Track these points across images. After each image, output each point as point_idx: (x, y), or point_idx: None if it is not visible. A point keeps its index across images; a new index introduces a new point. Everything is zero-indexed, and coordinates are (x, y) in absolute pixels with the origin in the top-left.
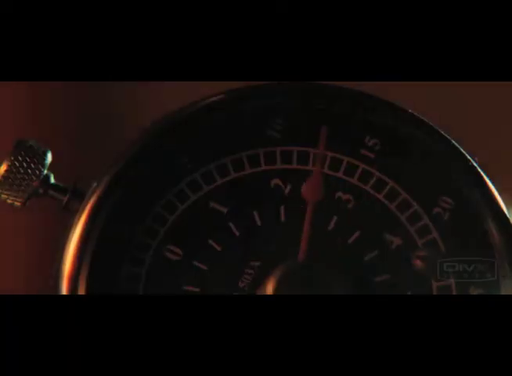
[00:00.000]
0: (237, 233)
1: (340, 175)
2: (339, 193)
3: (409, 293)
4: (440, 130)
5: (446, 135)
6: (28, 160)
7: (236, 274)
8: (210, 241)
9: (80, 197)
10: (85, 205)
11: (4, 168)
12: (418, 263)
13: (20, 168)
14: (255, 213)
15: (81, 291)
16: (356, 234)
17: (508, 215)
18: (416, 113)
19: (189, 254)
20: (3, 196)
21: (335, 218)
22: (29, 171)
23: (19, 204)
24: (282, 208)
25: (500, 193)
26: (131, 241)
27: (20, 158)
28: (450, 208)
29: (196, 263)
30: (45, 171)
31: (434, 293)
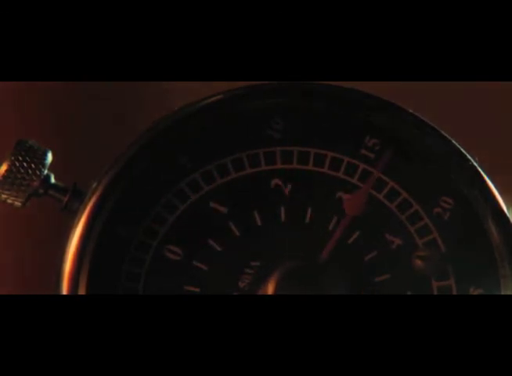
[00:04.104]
0: (237, 233)
1: (340, 175)
2: (339, 193)
3: (409, 293)
4: (440, 130)
5: (446, 135)
6: (28, 160)
7: (236, 274)
8: (210, 241)
9: (80, 197)
10: (85, 205)
11: (4, 168)
12: (418, 263)
13: (20, 168)
14: (255, 213)
15: (81, 291)
16: (356, 234)
17: (508, 215)
18: (416, 114)
19: (189, 254)
20: (3, 196)
21: (335, 218)
22: (29, 171)
23: (19, 204)
24: (282, 208)
25: (500, 193)
26: (131, 241)
27: (20, 158)
28: (450, 208)
29: (196, 263)
30: (45, 171)
31: (434, 293)
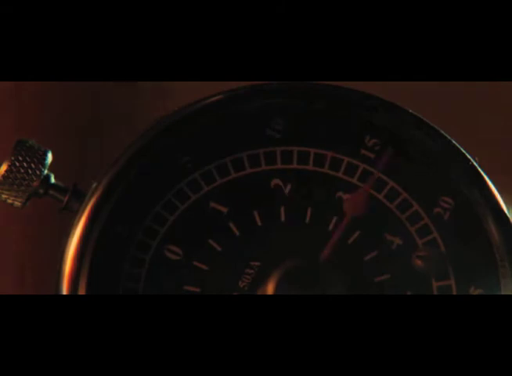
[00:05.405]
0: (237, 233)
1: (340, 175)
2: (339, 193)
3: (409, 293)
4: (440, 130)
5: (446, 135)
6: (28, 160)
7: (236, 274)
8: (211, 241)
9: (80, 197)
10: (85, 205)
11: (4, 168)
12: (418, 263)
13: (20, 168)
14: (255, 213)
15: (81, 291)
16: (356, 234)
17: (508, 215)
18: (416, 113)
19: (189, 254)
20: (3, 196)
21: (335, 218)
22: (29, 171)
23: (19, 204)
24: (282, 208)
25: (500, 193)
26: (131, 241)
27: (20, 158)
28: (450, 208)
29: (196, 263)
30: (45, 171)
31: (434, 293)
